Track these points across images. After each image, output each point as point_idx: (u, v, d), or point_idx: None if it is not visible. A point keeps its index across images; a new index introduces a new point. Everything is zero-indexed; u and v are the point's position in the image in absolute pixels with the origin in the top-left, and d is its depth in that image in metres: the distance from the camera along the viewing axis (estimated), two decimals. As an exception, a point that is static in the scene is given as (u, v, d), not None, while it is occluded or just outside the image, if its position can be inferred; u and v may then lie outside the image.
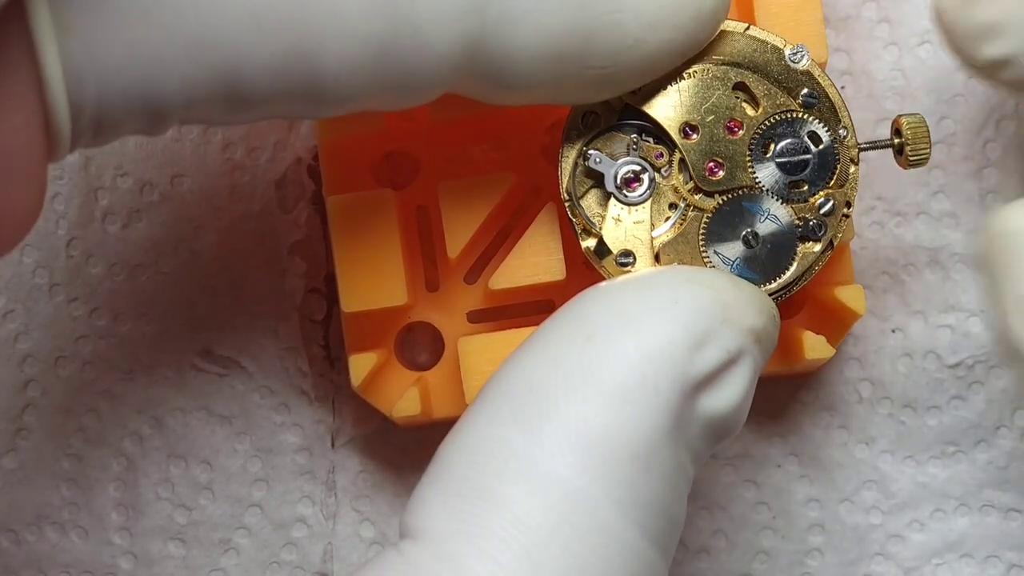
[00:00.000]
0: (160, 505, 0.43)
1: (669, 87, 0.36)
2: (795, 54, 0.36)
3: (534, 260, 0.39)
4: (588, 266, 0.37)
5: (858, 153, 0.37)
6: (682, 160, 0.36)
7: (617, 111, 0.37)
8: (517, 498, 0.31)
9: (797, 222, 0.36)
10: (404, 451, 0.43)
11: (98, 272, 0.43)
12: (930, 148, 0.37)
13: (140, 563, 0.43)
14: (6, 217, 0.30)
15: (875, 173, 0.43)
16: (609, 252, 0.37)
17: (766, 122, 0.36)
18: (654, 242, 0.37)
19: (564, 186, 0.37)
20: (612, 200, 0.37)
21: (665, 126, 0.36)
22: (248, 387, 0.43)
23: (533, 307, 0.40)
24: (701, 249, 0.36)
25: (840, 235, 0.36)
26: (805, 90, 0.36)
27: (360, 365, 0.39)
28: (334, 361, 0.43)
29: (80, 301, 0.43)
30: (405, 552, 0.32)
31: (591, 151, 0.37)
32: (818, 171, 0.36)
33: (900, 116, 0.37)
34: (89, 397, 0.43)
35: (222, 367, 0.43)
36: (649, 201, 0.37)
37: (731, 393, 0.33)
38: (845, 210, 0.37)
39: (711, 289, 0.33)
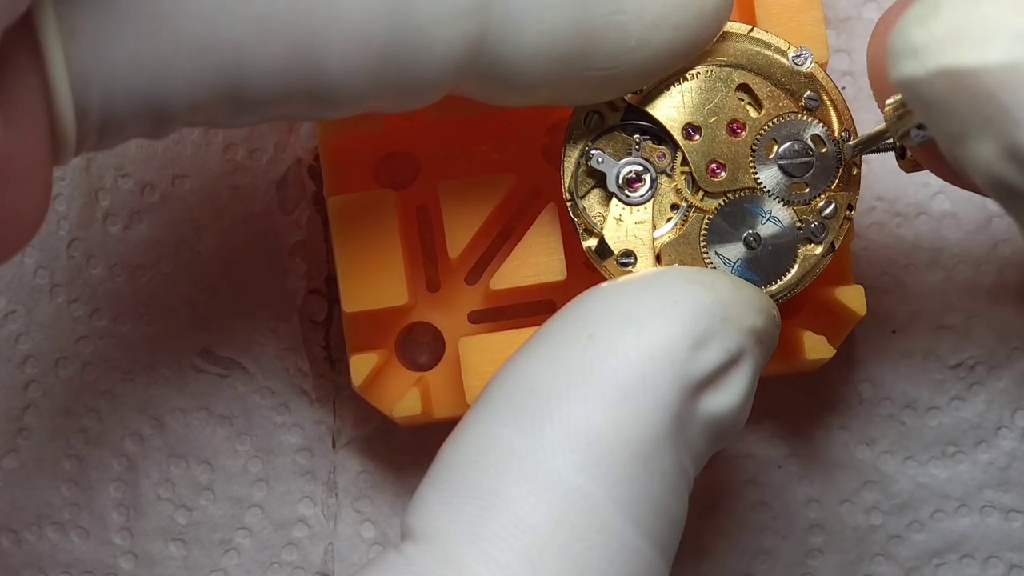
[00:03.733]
0: (161, 505, 0.43)
1: (672, 88, 0.36)
2: (798, 57, 0.36)
3: (535, 260, 0.39)
4: (589, 266, 0.37)
5: (860, 156, 0.37)
6: (684, 161, 0.36)
7: (620, 111, 0.37)
8: (518, 498, 0.31)
9: (799, 224, 0.36)
10: (405, 451, 0.43)
11: (99, 273, 0.43)
12: None
13: (141, 563, 0.43)
14: (12, 221, 0.30)
15: (875, 174, 0.43)
16: (610, 252, 0.37)
17: (769, 124, 0.36)
18: (655, 242, 0.37)
19: (566, 186, 0.37)
20: (614, 200, 0.37)
21: (668, 127, 0.36)
22: (249, 388, 0.43)
23: (534, 307, 0.40)
24: (702, 250, 0.36)
25: (841, 237, 0.36)
26: (808, 93, 0.36)
27: (361, 365, 0.39)
28: (335, 362, 0.43)
29: (81, 302, 0.43)
30: (406, 553, 0.32)
31: (593, 151, 0.37)
32: (820, 173, 0.36)
33: (903, 120, 0.37)
34: (90, 398, 0.43)
35: (223, 367, 0.43)
36: (651, 201, 0.37)
37: (732, 394, 0.33)
38: (847, 212, 0.36)
39: (711, 290, 0.33)
